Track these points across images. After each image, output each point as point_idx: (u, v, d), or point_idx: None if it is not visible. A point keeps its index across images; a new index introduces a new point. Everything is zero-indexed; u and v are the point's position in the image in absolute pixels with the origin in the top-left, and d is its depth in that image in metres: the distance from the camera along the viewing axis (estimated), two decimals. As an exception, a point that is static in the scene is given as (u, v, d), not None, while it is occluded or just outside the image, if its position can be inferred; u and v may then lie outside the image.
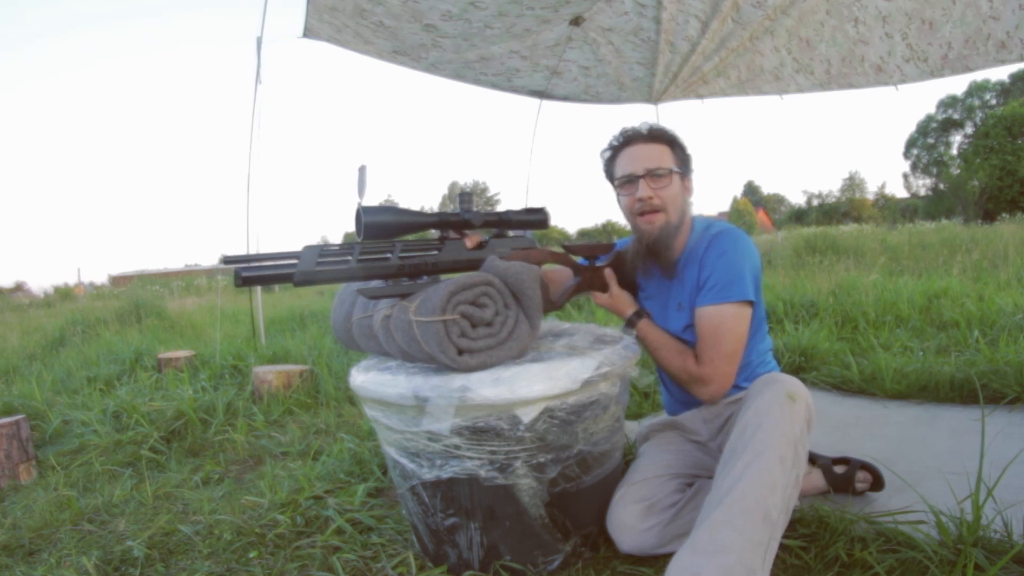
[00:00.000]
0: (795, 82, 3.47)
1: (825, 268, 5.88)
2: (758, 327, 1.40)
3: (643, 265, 1.40)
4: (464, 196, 1.24)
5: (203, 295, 12.15)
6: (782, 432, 1.05)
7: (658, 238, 1.35)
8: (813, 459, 1.47)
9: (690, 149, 1.42)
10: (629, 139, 1.38)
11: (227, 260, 1.03)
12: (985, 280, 4.46)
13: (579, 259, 1.43)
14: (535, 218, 1.33)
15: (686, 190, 1.39)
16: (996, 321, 2.97)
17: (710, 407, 1.41)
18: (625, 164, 1.37)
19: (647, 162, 1.34)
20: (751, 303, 1.30)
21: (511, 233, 1.34)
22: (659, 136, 1.37)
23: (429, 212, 1.20)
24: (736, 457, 1.04)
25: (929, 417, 2.00)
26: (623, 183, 1.37)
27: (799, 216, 39.62)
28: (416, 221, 1.15)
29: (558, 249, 1.41)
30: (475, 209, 1.24)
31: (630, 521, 1.22)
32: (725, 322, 1.27)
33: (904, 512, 1.20)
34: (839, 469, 1.45)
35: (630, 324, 1.39)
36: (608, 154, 1.42)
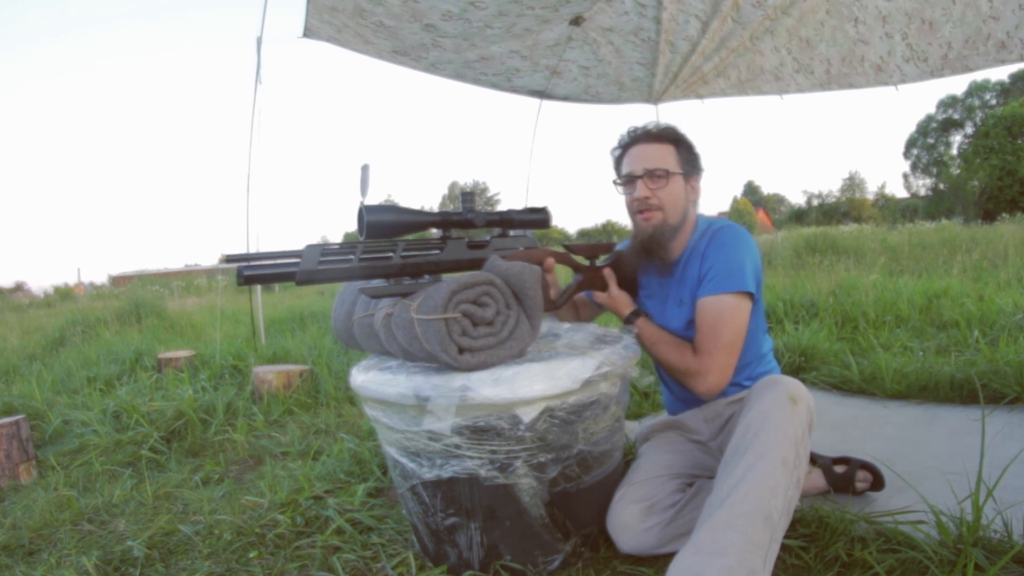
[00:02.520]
0: (795, 82, 3.47)
1: (825, 268, 5.88)
2: (757, 326, 1.40)
3: (641, 263, 1.41)
4: (467, 196, 1.24)
5: (203, 295, 12.15)
6: (784, 434, 1.05)
7: (652, 236, 1.37)
8: (813, 459, 1.47)
9: (699, 148, 1.41)
10: (635, 139, 1.39)
11: (229, 259, 1.03)
12: (985, 280, 4.46)
13: (580, 259, 1.44)
14: (537, 217, 1.34)
15: (691, 190, 1.40)
16: (996, 321, 2.97)
17: (711, 406, 1.41)
18: (628, 163, 1.39)
19: (646, 162, 1.36)
20: (751, 296, 1.30)
21: (512, 233, 1.35)
22: (663, 136, 1.38)
23: (431, 211, 1.20)
24: (738, 458, 1.05)
25: (929, 417, 2.00)
26: (624, 182, 1.40)
27: (799, 216, 39.62)
28: (418, 220, 1.15)
29: (559, 249, 1.41)
30: (477, 209, 1.24)
31: (630, 521, 1.22)
32: (724, 312, 1.27)
33: (904, 512, 1.20)
34: (839, 469, 1.45)
35: (628, 322, 1.39)
36: (617, 152, 1.44)
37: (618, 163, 1.44)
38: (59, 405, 2.97)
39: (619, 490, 1.29)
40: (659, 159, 1.35)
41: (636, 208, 1.38)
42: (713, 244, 1.33)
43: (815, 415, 1.15)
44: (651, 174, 1.35)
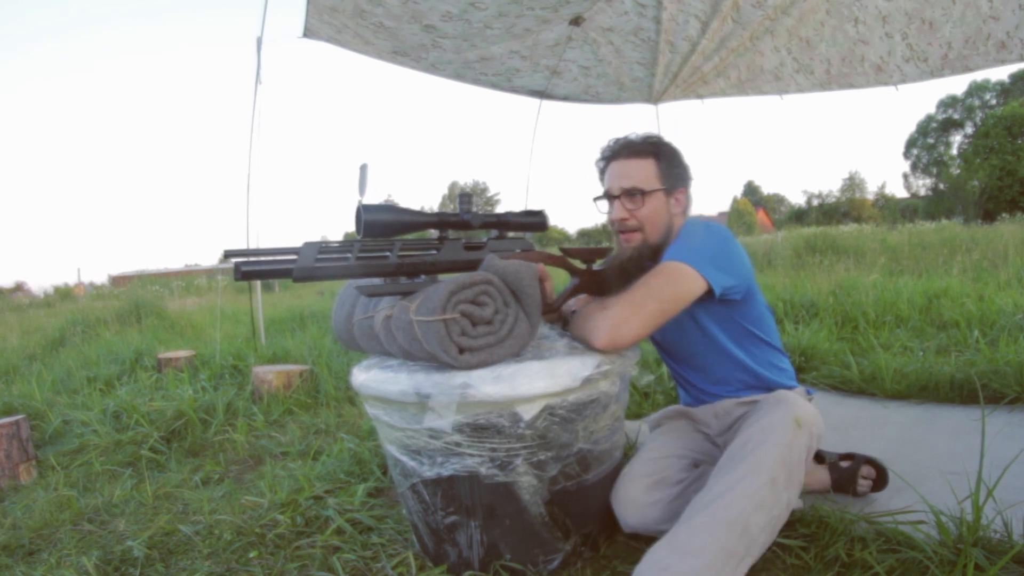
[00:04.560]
0: (795, 82, 3.47)
1: (825, 268, 5.88)
2: (758, 322, 1.38)
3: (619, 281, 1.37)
4: (464, 197, 1.25)
5: (203, 295, 12.15)
6: (780, 455, 1.05)
7: (630, 258, 1.33)
8: (821, 457, 1.48)
9: (687, 156, 1.37)
10: (615, 153, 1.36)
11: (228, 254, 1.04)
12: (985, 280, 4.46)
13: (577, 262, 1.44)
14: (534, 220, 1.34)
15: (676, 203, 1.36)
16: (996, 321, 2.97)
17: (722, 403, 1.40)
18: (607, 180, 1.37)
19: (624, 181, 1.32)
20: (700, 274, 1.21)
21: (511, 235, 1.35)
22: (644, 149, 1.33)
23: (429, 212, 1.21)
24: (732, 466, 1.06)
25: (929, 417, 2.00)
26: (604, 200, 1.38)
27: (799, 216, 39.62)
28: (416, 220, 1.16)
29: (556, 252, 1.41)
30: (474, 210, 1.24)
31: (635, 494, 1.23)
32: (651, 276, 1.22)
33: (904, 512, 1.20)
34: (844, 464, 1.46)
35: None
36: (601, 164, 1.42)
37: (602, 175, 1.41)
38: (59, 405, 2.97)
39: (626, 467, 1.30)
40: (637, 177, 1.31)
41: (615, 229, 1.36)
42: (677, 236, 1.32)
43: (819, 434, 1.15)
44: (628, 194, 1.31)
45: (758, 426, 1.10)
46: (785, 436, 1.07)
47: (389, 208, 1.12)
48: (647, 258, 1.33)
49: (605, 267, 1.42)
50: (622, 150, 1.35)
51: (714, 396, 1.44)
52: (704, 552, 0.96)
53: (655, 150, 1.34)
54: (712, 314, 1.35)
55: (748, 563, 1.00)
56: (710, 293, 1.22)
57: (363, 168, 1.11)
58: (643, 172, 1.32)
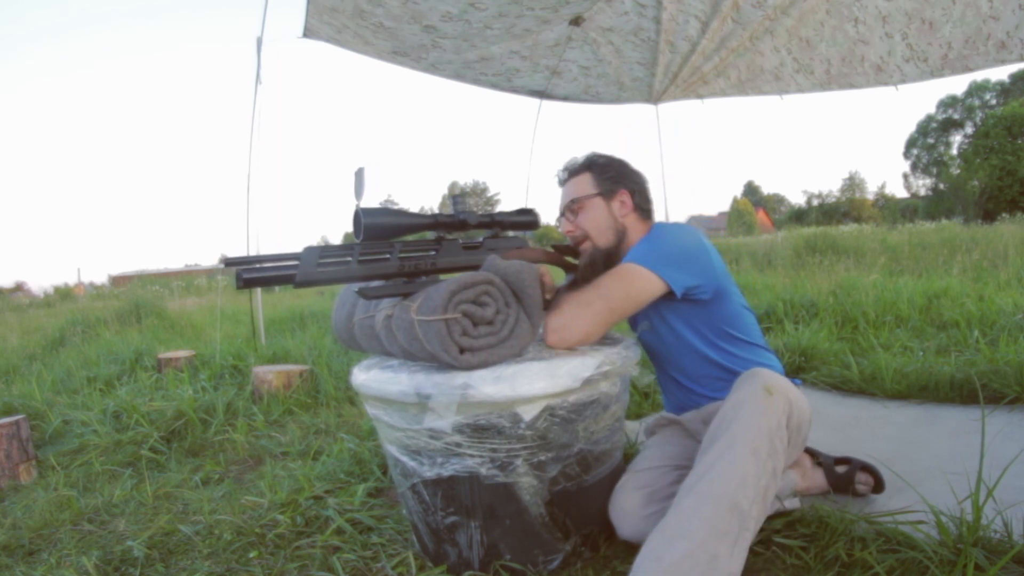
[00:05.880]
0: (795, 82, 3.47)
1: (825, 268, 5.88)
2: (734, 320, 1.38)
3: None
4: (457, 198, 1.27)
5: (203, 295, 12.14)
6: (756, 424, 1.05)
7: (586, 265, 1.39)
8: (816, 457, 1.48)
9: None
10: (561, 182, 1.47)
11: (228, 262, 1.03)
12: (985, 280, 4.45)
13: (570, 259, 1.46)
14: (526, 219, 1.37)
15: (621, 205, 1.39)
16: (996, 321, 2.97)
17: (708, 408, 1.41)
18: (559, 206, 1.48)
19: (563, 200, 1.44)
20: (658, 275, 1.24)
21: (512, 234, 1.37)
22: (579, 168, 1.43)
23: (425, 213, 1.21)
24: (711, 446, 1.06)
25: (929, 417, 2.00)
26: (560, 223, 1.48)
27: (799, 216, 39.63)
28: (413, 223, 1.17)
29: (548, 249, 1.43)
30: (470, 210, 1.26)
31: (631, 508, 1.23)
32: (604, 277, 1.27)
33: (904, 512, 1.19)
34: (840, 469, 1.45)
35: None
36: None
37: None
38: (59, 405, 2.97)
39: (623, 477, 1.30)
40: (574, 191, 1.41)
41: (571, 243, 1.44)
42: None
43: (803, 409, 1.15)
44: (568, 208, 1.41)
45: (730, 403, 1.10)
46: (758, 405, 1.06)
47: (387, 211, 1.12)
48: (601, 264, 1.36)
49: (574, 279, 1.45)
50: (564, 175, 1.45)
51: (697, 400, 1.44)
52: (694, 534, 0.95)
53: (588, 163, 1.43)
54: (682, 315, 1.37)
55: (747, 538, 0.99)
56: (672, 294, 1.26)
57: (359, 172, 1.11)
58: (579, 186, 1.41)
